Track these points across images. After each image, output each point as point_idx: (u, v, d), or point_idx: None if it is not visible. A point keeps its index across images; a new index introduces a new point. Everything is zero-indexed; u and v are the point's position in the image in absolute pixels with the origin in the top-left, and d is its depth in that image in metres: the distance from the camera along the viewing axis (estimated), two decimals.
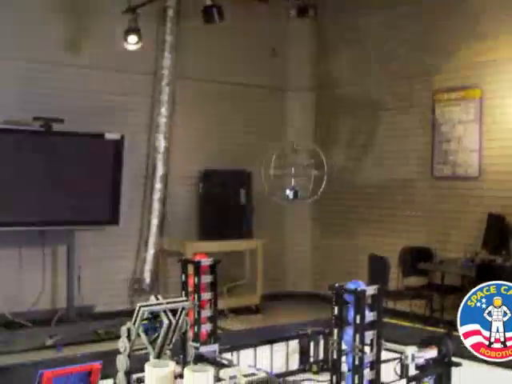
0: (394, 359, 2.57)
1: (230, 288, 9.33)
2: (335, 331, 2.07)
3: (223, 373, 2.19)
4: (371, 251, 8.10)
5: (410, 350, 2.38)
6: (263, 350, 2.81)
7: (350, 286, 2.06)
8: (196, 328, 2.55)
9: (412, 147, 8.83)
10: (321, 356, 2.92)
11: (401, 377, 2.38)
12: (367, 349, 2.05)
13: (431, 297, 8.00)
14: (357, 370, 2.01)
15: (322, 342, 2.93)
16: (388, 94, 9.14)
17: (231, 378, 2.14)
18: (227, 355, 2.60)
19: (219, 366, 2.36)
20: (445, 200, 8.43)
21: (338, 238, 9.89)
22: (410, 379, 2.31)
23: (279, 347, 2.88)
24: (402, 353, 2.41)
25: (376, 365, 2.06)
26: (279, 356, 2.88)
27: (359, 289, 2.02)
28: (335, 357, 2.09)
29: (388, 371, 2.42)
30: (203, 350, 2.53)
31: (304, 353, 2.93)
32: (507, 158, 7.78)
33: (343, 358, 2.08)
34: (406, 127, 8.87)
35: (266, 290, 9.44)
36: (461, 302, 6.66)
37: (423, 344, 2.41)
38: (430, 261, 8.12)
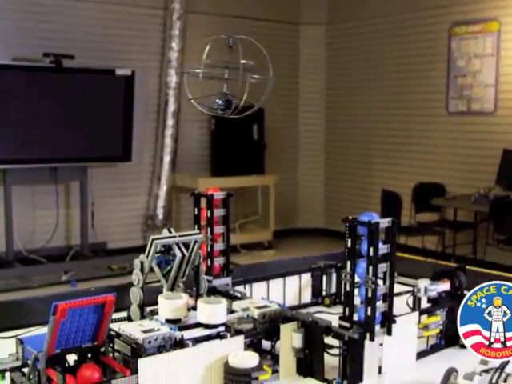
0: (407, 292, 2.57)
1: (242, 224, 9.39)
2: (348, 264, 2.06)
3: (236, 305, 2.20)
4: (384, 187, 8.09)
5: (423, 283, 2.37)
6: (276, 283, 2.82)
7: (364, 218, 2.04)
8: (209, 261, 2.55)
9: (426, 82, 8.70)
10: (333, 289, 2.93)
11: (413, 309, 2.38)
12: (380, 282, 2.05)
13: (443, 233, 8.02)
14: (369, 302, 2.01)
15: (334, 276, 2.94)
16: (402, 27, 8.96)
17: (244, 309, 2.15)
18: (240, 288, 2.61)
19: (232, 298, 2.36)
20: (459, 136, 8.35)
21: (351, 174, 9.87)
22: (422, 312, 2.31)
23: (292, 280, 2.88)
24: (414, 286, 2.41)
25: (389, 297, 2.06)
26: (292, 289, 2.88)
27: (373, 221, 2.00)
28: (348, 289, 2.09)
29: (400, 304, 2.43)
30: (216, 282, 2.53)
31: (316, 286, 2.94)
32: None
33: (356, 291, 2.08)
34: (420, 61, 8.72)
35: (279, 226, 9.49)
36: (473, 237, 6.63)
37: (436, 277, 2.40)
38: (442, 197, 8.10)
